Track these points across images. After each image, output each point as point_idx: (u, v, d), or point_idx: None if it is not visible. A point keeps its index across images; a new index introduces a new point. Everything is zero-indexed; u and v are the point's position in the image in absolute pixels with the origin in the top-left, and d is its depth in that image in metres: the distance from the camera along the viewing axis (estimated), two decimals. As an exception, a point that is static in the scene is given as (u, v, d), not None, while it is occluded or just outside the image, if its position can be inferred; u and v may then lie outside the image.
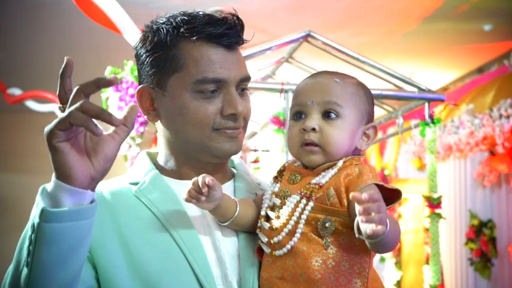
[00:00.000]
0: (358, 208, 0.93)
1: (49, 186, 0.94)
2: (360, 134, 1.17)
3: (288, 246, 1.08)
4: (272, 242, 1.10)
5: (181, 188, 1.15)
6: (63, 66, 0.95)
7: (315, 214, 1.08)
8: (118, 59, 3.42)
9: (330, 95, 1.14)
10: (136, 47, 1.21)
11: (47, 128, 0.90)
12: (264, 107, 3.87)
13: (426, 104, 2.69)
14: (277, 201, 1.13)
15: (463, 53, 4.59)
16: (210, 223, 1.16)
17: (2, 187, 7.10)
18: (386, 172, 5.96)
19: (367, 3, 3.62)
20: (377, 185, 1.07)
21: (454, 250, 5.00)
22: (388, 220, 0.95)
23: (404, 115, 2.94)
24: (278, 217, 1.11)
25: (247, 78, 1.20)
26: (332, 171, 1.10)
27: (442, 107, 2.98)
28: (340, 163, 1.11)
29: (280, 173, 1.19)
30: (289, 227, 1.09)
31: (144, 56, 1.18)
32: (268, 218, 1.13)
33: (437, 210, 2.68)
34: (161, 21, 1.17)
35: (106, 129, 0.95)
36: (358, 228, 0.98)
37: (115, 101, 3.23)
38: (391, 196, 1.09)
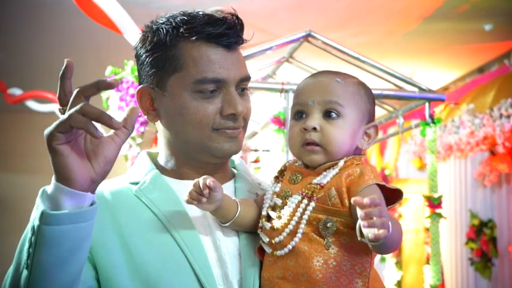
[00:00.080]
0: (359, 213, 0.93)
1: (49, 188, 0.94)
2: (361, 134, 1.17)
3: (290, 246, 1.08)
4: (273, 242, 1.10)
5: (182, 187, 1.15)
6: (63, 68, 0.95)
7: (316, 214, 1.08)
8: (118, 59, 3.42)
9: (331, 95, 1.13)
10: (136, 47, 1.21)
11: (47, 131, 0.90)
12: (265, 107, 3.87)
13: (427, 104, 2.69)
14: (279, 201, 1.13)
15: (463, 52, 4.59)
16: (210, 223, 1.16)
17: (2, 187, 7.10)
18: (386, 172, 5.96)
19: (367, 3, 3.62)
20: (378, 185, 1.07)
21: (454, 250, 5.00)
22: (390, 223, 0.95)
23: (404, 115, 2.94)
24: (279, 217, 1.11)
25: (247, 78, 1.19)
26: (333, 171, 1.10)
27: (443, 106, 2.98)
28: (341, 163, 1.11)
29: (281, 172, 1.19)
30: (291, 227, 1.09)
31: (143, 56, 1.18)
32: (269, 218, 1.13)
33: (437, 210, 2.68)
34: (161, 21, 1.17)
35: (106, 130, 0.95)
36: (361, 232, 0.98)
37: (115, 101, 3.23)
38: (393, 196, 1.09)
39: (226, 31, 1.14)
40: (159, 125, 1.22)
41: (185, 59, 1.14)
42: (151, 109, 1.20)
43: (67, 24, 4.03)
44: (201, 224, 1.15)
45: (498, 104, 4.00)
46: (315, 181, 1.10)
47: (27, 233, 0.95)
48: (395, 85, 2.83)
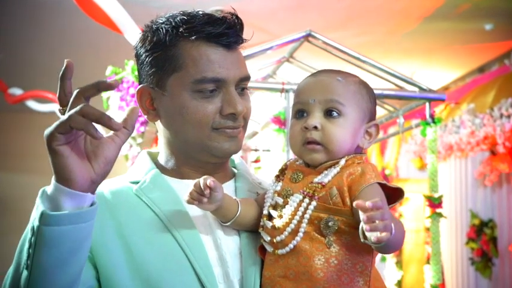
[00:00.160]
0: (362, 216, 0.94)
1: (49, 189, 0.94)
2: (362, 132, 1.17)
3: (291, 245, 1.08)
4: (275, 241, 1.10)
5: (182, 187, 1.15)
6: (63, 68, 0.95)
7: (317, 213, 1.08)
8: (118, 59, 3.41)
9: (332, 94, 1.13)
10: (136, 47, 1.21)
11: (47, 131, 0.90)
12: (265, 107, 3.86)
13: (427, 104, 2.68)
14: (280, 200, 1.12)
15: (463, 52, 4.59)
16: (211, 222, 1.16)
17: (2, 187, 7.11)
18: (387, 172, 5.96)
19: (367, 3, 3.61)
20: (380, 183, 1.07)
21: (455, 250, 5.00)
22: (392, 224, 0.95)
23: (405, 115, 2.94)
24: (281, 216, 1.11)
25: (246, 78, 1.19)
26: (334, 170, 1.10)
27: (443, 106, 2.98)
28: (342, 162, 1.11)
29: (282, 171, 1.19)
30: (292, 226, 1.09)
31: (143, 55, 1.18)
32: (270, 217, 1.13)
33: (438, 210, 2.68)
34: (161, 21, 1.17)
35: (106, 130, 0.95)
36: (363, 233, 0.98)
37: (116, 101, 3.23)
38: (394, 195, 1.10)
39: (226, 31, 1.14)
40: (159, 124, 1.22)
41: (185, 59, 1.14)
42: (151, 109, 1.20)
43: (67, 24, 4.03)
44: (202, 223, 1.15)
45: (498, 103, 4.00)
46: (316, 180, 1.10)
47: (27, 233, 0.95)
48: (395, 85, 2.82)
